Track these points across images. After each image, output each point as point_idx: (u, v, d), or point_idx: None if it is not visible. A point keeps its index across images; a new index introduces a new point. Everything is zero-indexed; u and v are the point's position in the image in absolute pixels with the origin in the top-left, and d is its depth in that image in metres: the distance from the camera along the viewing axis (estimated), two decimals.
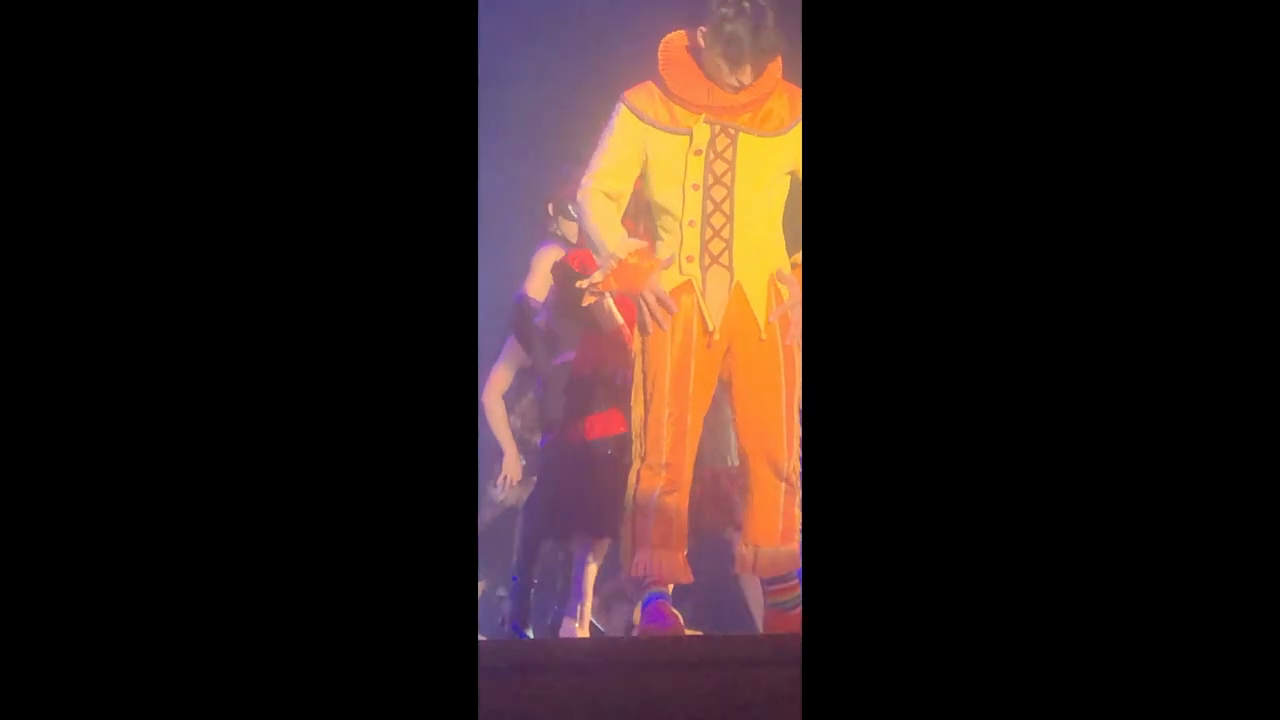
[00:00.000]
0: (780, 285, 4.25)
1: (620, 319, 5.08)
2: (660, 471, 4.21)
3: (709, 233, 4.22)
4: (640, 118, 4.26)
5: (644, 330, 4.24)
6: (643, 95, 4.29)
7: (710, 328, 4.22)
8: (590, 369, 5.19)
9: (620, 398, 4.78)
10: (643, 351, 4.28)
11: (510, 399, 5.98)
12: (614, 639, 5.22)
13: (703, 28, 4.22)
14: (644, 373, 4.26)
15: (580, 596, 5.31)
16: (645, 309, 4.20)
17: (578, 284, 4.38)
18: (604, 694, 3.35)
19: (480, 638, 5.79)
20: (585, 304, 4.48)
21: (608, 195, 4.31)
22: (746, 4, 4.16)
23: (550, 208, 5.69)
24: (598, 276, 4.28)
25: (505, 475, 5.97)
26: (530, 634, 5.43)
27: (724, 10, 4.18)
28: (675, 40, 4.32)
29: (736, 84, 4.21)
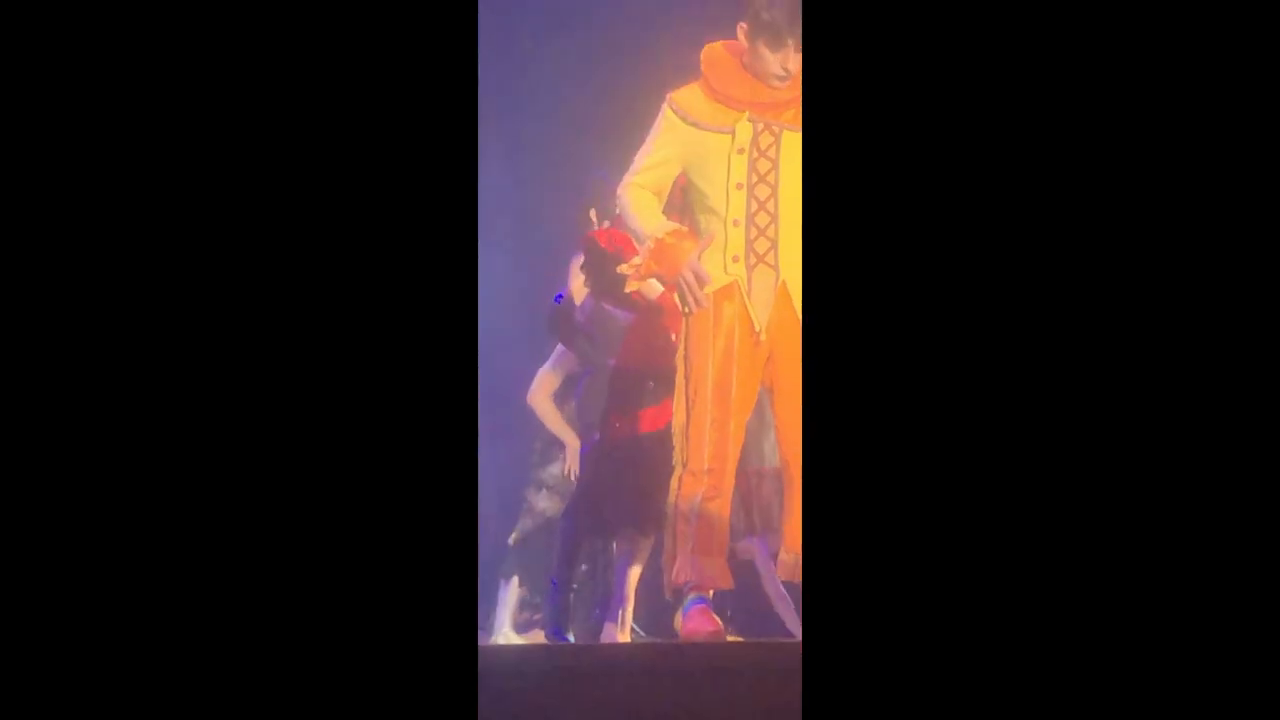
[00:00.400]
0: None
1: (661, 288, 5.08)
2: (702, 477, 4.21)
3: (754, 232, 4.21)
4: (683, 118, 4.27)
5: (684, 310, 4.23)
6: (686, 95, 4.30)
7: (757, 328, 4.21)
8: (636, 364, 5.16)
9: (668, 390, 4.76)
10: (685, 357, 4.27)
11: (559, 401, 5.98)
12: (655, 643, 5.19)
13: (742, 23, 4.22)
14: (686, 378, 4.26)
15: (622, 601, 5.30)
16: (684, 288, 4.19)
17: (619, 269, 4.39)
18: (646, 700, 3.34)
19: (516, 641, 5.80)
20: (628, 289, 4.48)
21: (649, 191, 4.32)
22: None
23: (593, 213, 5.69)
24: (638, 259, 4.28)
25: (568, 467, 5.95)
26: (571, 638, 5.42)
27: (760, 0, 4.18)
28: (717, 46, 4.32)
29: (782, 73, 4.20)
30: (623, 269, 4.36)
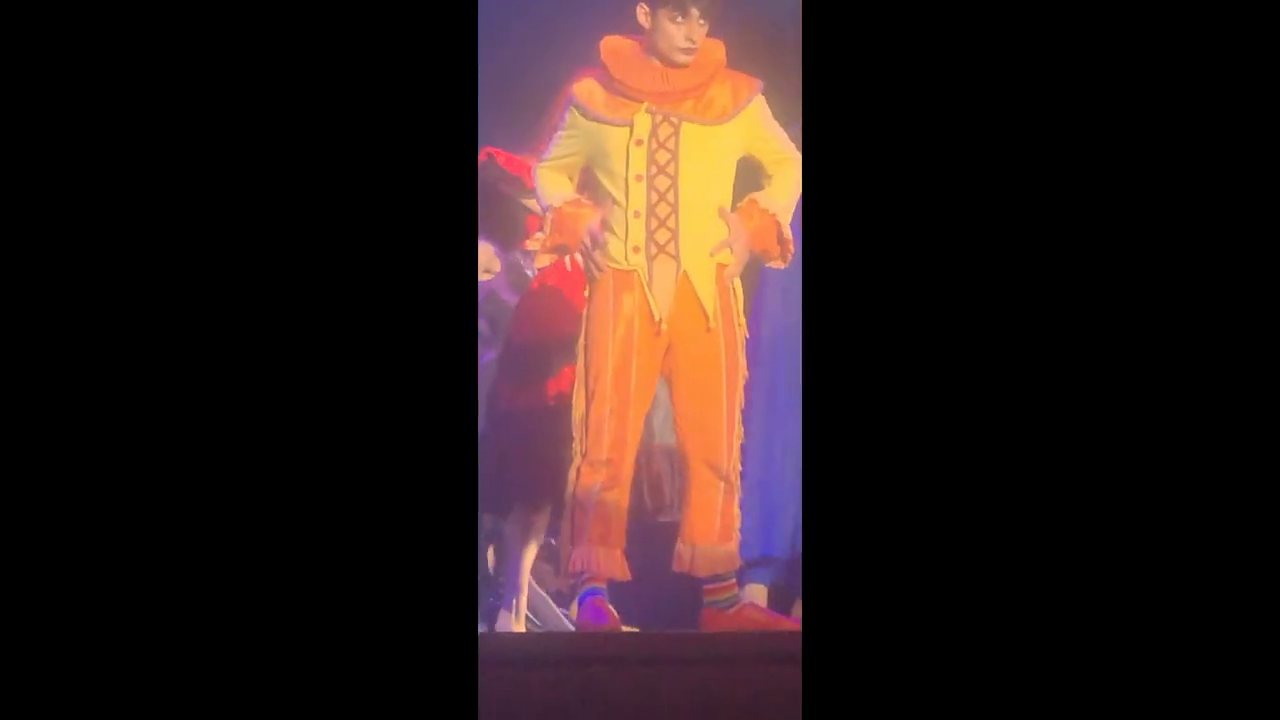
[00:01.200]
0: (723, 221, 4.25)
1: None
2: (601, 468, 4.21)
3: (654, 223, 4.23)
4: (584, 112, 4.27)
5: (589, 276, 4.25)
6: (585, 89, 4.30)
7: (657, 318, 4.22)
8: (532, 337, 5.14)
9: (566, 360, 4.75)
10: (585, 346, 4.28)
11: None
12: (551, 634, 5.19)
13: (641, 3, 4.24)
14: (586, 367, 4.27)
15: (516, 590, 5.28)
16: (585, 252, 4.23)
17: (527, 244, 4.40)
18: (547, 691, 3.34)
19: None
20: (537, 264, 4.51)
21: (562, 174, 4.37)
22: None
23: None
24: (540, 233, 4.35)
25: None
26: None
27: None
28: (615, 38, 4.33)
29: (687, 44, 4.21)
30: (530, 244, 4.39)
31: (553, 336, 5.01)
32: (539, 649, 3.82)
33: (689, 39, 4.23)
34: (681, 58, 4.24)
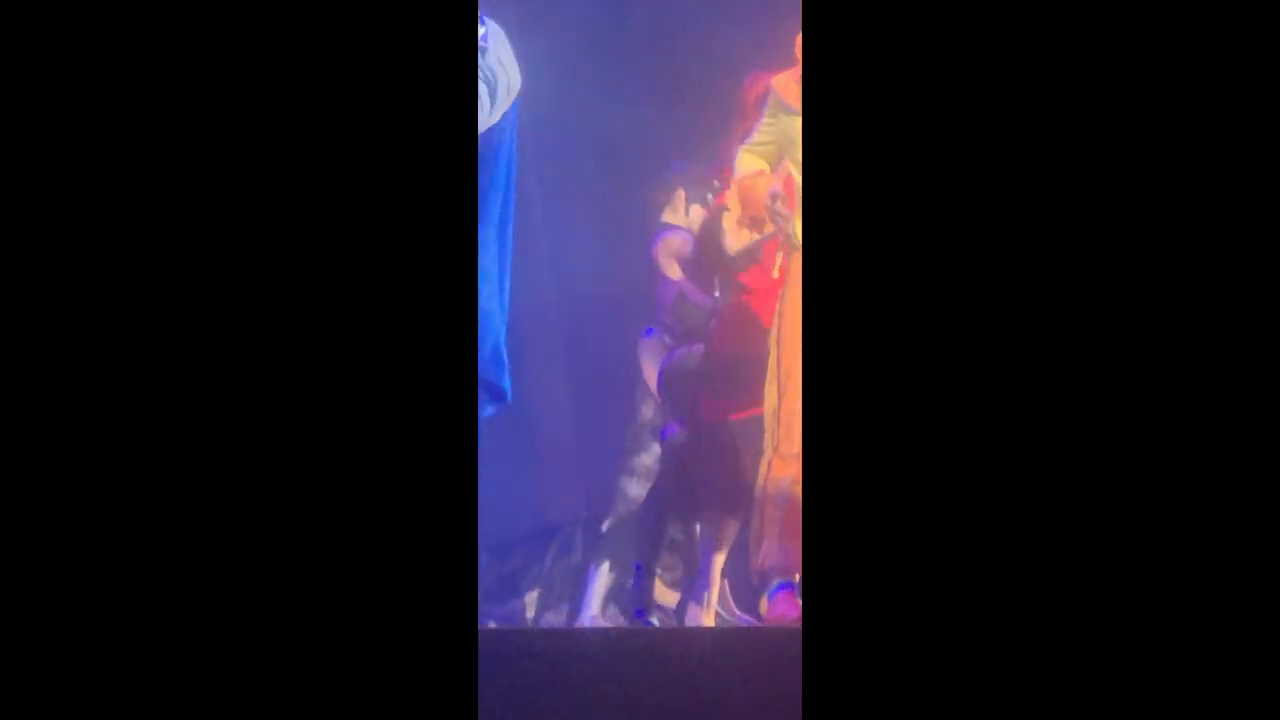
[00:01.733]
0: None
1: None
2: (792, 461, 4.20)
3: None
4: (781, 104, 4.30)
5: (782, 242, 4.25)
6: (783, 81, 4.34)
7: None
8: (726, 349, 5.14)
9: (759, 376, 4.75)
10: (777, 340, 4.27)
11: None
12: (738, 628, 5.19)
13: None
14: (778, 361, 4.25)
15: (707, 585, 5.29)
16: (774, 220, 4.24)
17: (707, 196, 4.44)
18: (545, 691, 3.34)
19: (602, 624, 5.80)
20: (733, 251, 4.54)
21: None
22: None
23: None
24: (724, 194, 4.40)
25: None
26: (655, 621, 5.41)
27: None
28: None
29: None
30: (723, 221, 4.42)
31: (750, 346, 5.00)
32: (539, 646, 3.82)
33: None
34: None
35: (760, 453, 4.31)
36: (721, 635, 4.04)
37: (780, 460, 4.21)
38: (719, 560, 5.29)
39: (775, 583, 4.24)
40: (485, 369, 3.89)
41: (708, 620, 5.24)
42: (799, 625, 4.12)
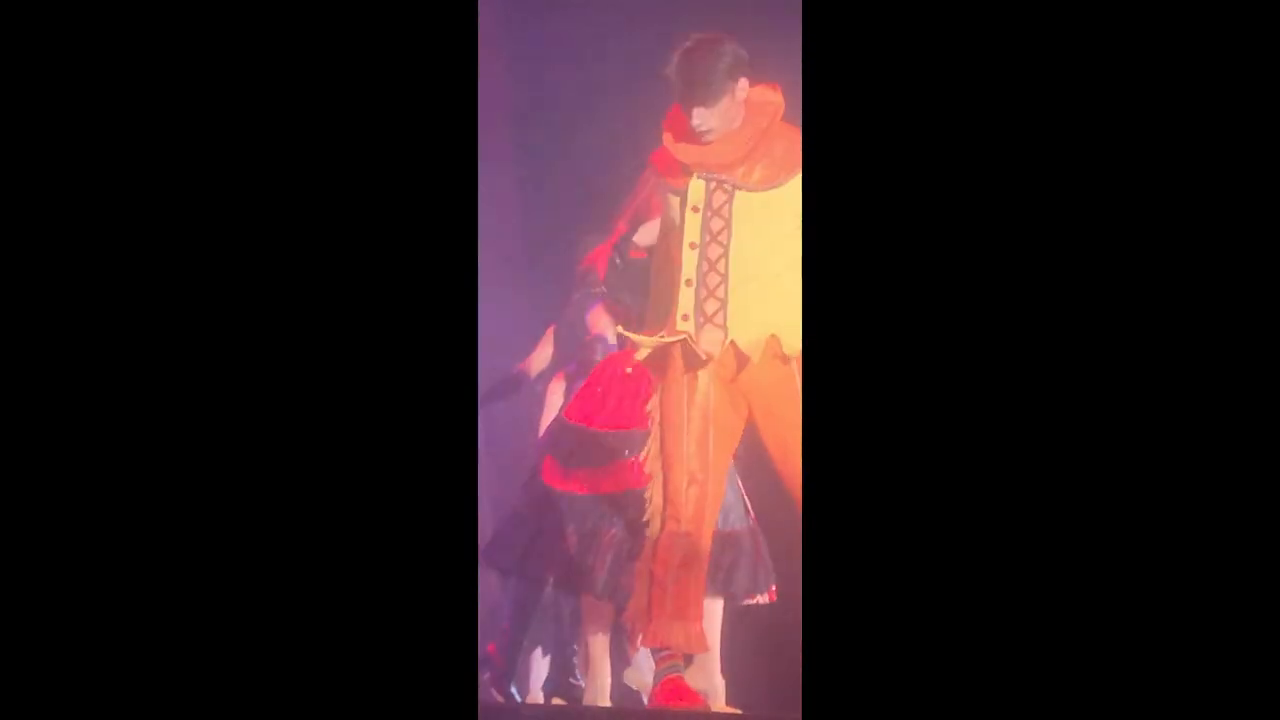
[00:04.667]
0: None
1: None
2: (681, 540, 4.11)
3: (704, 292, 4.13)
4: (656, 174, 4.23)
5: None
6: (661, 155, 4.24)
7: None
8: (599, 424, 5.03)
9: (633, 449, 4.66)
10: (659, 418, 4.19)
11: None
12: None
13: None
14: (660, 438, 4.18)
15: (592, 666, 5.15)
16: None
17: (619, 330, 4.37)
18: None
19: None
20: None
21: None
22: (690, 43, 4.07)
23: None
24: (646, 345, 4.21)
25: None
26: (521, 699, 5.29)
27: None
28: (677, 108, 4.25)
29: (705, 129, 4.10)
30: (629, 339, 4.32)
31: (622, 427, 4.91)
32: None
33: (705, 126, 4.11)
34: (704, 140, 4.13)
35: (644, 528, 4.21)
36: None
37: (667, 538, 4.12)
38: (603, 642, 5.15)
39: (661, 669, 4.14)
40: None
41: (603, 701, 5.09)
42: (692, 709, 4.04)
